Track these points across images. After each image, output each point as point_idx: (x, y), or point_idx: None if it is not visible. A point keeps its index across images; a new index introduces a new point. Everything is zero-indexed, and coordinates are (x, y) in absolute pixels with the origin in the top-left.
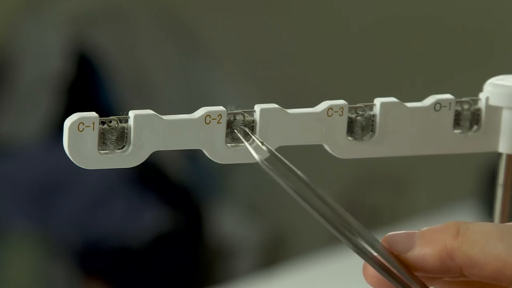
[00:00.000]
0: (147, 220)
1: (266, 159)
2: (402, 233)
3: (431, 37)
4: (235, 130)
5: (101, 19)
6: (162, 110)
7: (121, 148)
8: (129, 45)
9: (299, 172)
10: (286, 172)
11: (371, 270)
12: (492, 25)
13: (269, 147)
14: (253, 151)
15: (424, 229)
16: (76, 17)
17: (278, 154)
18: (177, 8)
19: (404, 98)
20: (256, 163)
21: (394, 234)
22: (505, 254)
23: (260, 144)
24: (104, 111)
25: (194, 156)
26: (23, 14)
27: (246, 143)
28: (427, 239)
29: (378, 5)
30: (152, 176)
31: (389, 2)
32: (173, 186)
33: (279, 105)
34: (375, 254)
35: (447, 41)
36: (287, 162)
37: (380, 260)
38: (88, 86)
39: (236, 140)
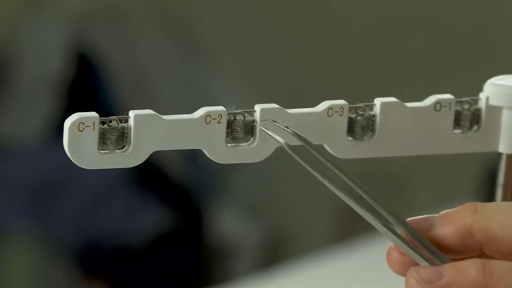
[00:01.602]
0: (147, 220)
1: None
2: (420, 217)
3: (431, 37)
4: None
5: (101, 19)
6: (162, 110)
7: (121, 148)
8: (129, 45)
9: (324, 156)
10: (311, 156)
11: (395, 255)
12: (492, 25)
13: (295, 131)
14: (277, 136)
15: (441, 212)
16: (76, 17)
17: (302, 136)
18: (177, 8)
19: (404, 98)
20: (256, 162)
21: (411, 219)
22: None
23: (285, 129)
24: (104, 111)
25: (194, 156)
26: (23, 14)
27: (271, 133)
28: (445, 219)
29: (378, 5)
30: (152, 176)
31: (389, 2)
32: (173, 186)
33: (279, 105)
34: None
35: (447, 41)
36: (311, 145)
37: (407, 237)
38: (88, 86)
39: (236, 140)
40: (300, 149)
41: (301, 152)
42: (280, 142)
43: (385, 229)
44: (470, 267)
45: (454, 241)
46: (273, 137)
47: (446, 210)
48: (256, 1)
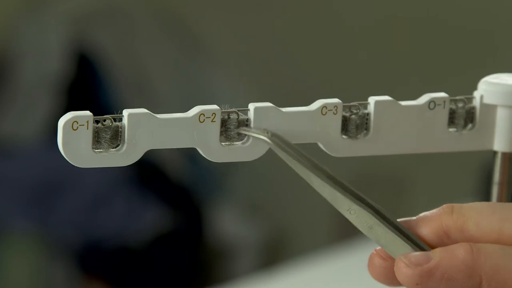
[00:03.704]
0: (147, 220)
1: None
2: (399, 220)
3: (429, 37)
4: (230, 130)
5: (101, 19)
6: (162, 110)
7: (116, 147)
8: (129, 45)
9: (305, 153)
10: (295, 156)
11: (378, 261)
12: (491, 25)
13: (274, 132)
14: (260, 135)
15: (419, 214)
16: (76, 17)
17: (282, 136)
18: (177, 8)
19: (404, 99)
20: (255, 162)
21: None
22: (499, 226)
23: (262, 132)
24: (104, 111)
25: (194, 156)
26: (23, 14)
27: (251, 132)
28: (423, 221)
29: (377, 5)
30: (152, 176)
31: (389, 2)
32: (173, 186)
33: (279, 105)
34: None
35: (446, 41)
36: (293, 145)
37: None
38: (88, 86)
39: (230, 138)
40: (289, 147)
41: (290, 150)
42: (267, 141)
43: (375, 219)
44: (457, 248)
45: (432, 242)
46: (258, 137)
47: (424, 212)
48: (256, 1)
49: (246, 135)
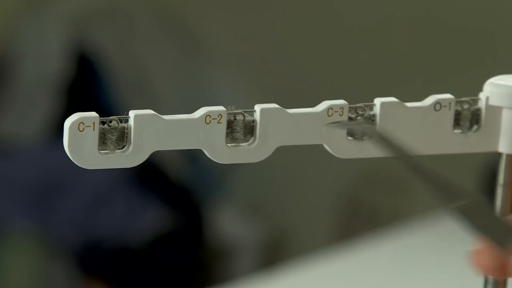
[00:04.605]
0: (147, 220)
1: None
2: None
3: (431, 37)
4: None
5: (101, 19)
6: (162, 110)
7: (121, 148)
8: (129, 45)
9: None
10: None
11: (484, 259)
12: (492, 25)
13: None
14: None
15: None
16: (76, 17)
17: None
18: (177, 8)
19: (404, 98)
20: (256, 162)
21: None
22: None
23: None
24: (104, 111)
25: (194, 156)
26: (23, 14)
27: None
28: None
29: (378, 5)
30: (152, 176)
31: (389, 2)
32: (173, 186)
33: (280, 105)
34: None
35: (447, 41)
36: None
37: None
38: (88, 86)
39: (236, 140)
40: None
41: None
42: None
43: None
44: None
45: None
46: (355, 127)
47: None
48: (256, 1)
49: (252, 136)
